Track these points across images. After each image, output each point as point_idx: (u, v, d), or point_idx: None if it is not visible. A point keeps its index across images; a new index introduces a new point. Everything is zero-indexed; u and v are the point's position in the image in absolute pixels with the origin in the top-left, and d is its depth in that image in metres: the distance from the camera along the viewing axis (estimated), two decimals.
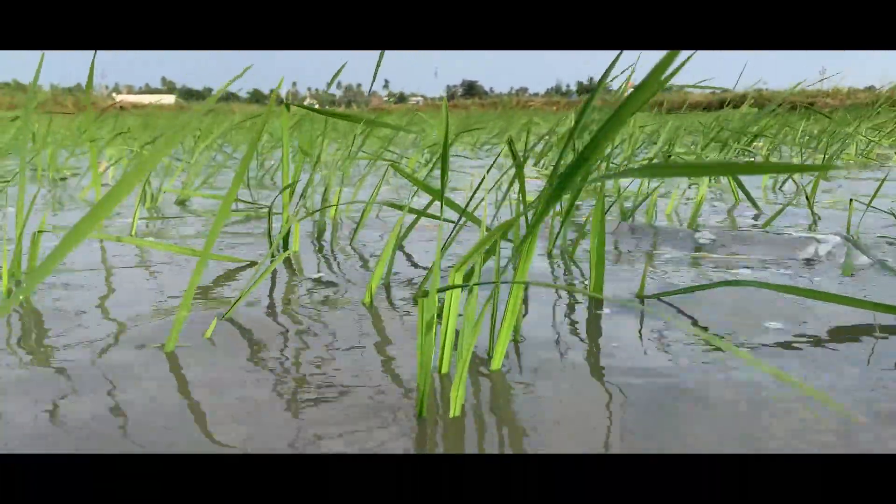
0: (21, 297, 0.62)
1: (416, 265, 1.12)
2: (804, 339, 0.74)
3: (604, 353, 0.71)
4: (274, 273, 1.07)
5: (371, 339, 0.75)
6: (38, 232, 0.95)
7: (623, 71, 1.83)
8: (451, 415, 0.57)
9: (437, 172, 2.75)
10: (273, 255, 1.20)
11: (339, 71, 1.43)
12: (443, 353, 0.67)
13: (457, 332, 0.76)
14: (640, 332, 0.77)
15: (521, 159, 0.81)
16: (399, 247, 1.28)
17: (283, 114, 1.23)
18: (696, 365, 0.67)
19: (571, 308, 0.86)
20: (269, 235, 1.27)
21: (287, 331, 0.78)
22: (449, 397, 0.59)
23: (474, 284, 0.64)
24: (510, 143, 0.88)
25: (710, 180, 2.14)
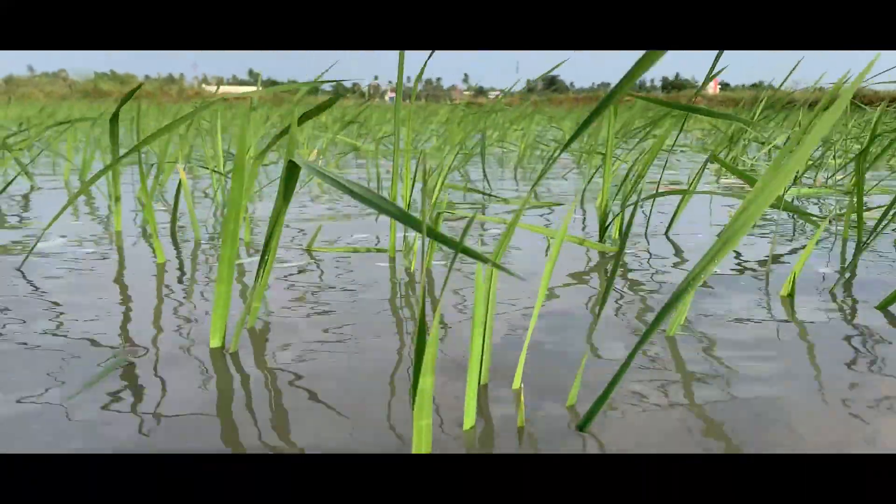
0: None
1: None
2: None
3: None
4: (623, 262, 1.07)
5: (835, 345, 0.74)
6: (437, 222, 0.98)
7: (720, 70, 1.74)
8: None
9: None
10: (609, 243, 1.21)
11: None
12: None
13: None
14: None
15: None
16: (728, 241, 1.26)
17: (614, 106, 1.23)
18: None
19: None
20: (610, 224, 1.28)
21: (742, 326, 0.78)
22: None
23: None
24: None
25: None
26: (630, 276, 0.98)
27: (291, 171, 0.57)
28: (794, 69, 3.17)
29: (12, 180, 1.32)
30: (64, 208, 0.93)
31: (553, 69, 1.72)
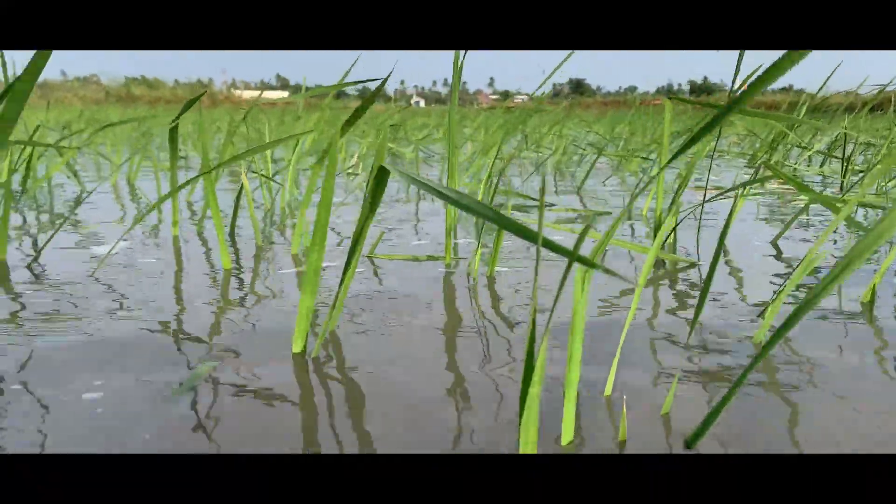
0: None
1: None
2: None
3: None
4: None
5: None
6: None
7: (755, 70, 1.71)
8: None
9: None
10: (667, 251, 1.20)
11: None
12: None
13: None
14: None
15: None
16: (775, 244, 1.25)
17: (667, 104, 1.23)
18: None
19: None
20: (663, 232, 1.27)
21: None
22: None
23: None
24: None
25: None
26: (696, 283, 0.97)
27: (381, 177, 0.57)
28: (833, 72, 3.12)
29: (81, 199, 1.35)
30: (130, 228, 0.94)
31: (561, 64, 1.71)
